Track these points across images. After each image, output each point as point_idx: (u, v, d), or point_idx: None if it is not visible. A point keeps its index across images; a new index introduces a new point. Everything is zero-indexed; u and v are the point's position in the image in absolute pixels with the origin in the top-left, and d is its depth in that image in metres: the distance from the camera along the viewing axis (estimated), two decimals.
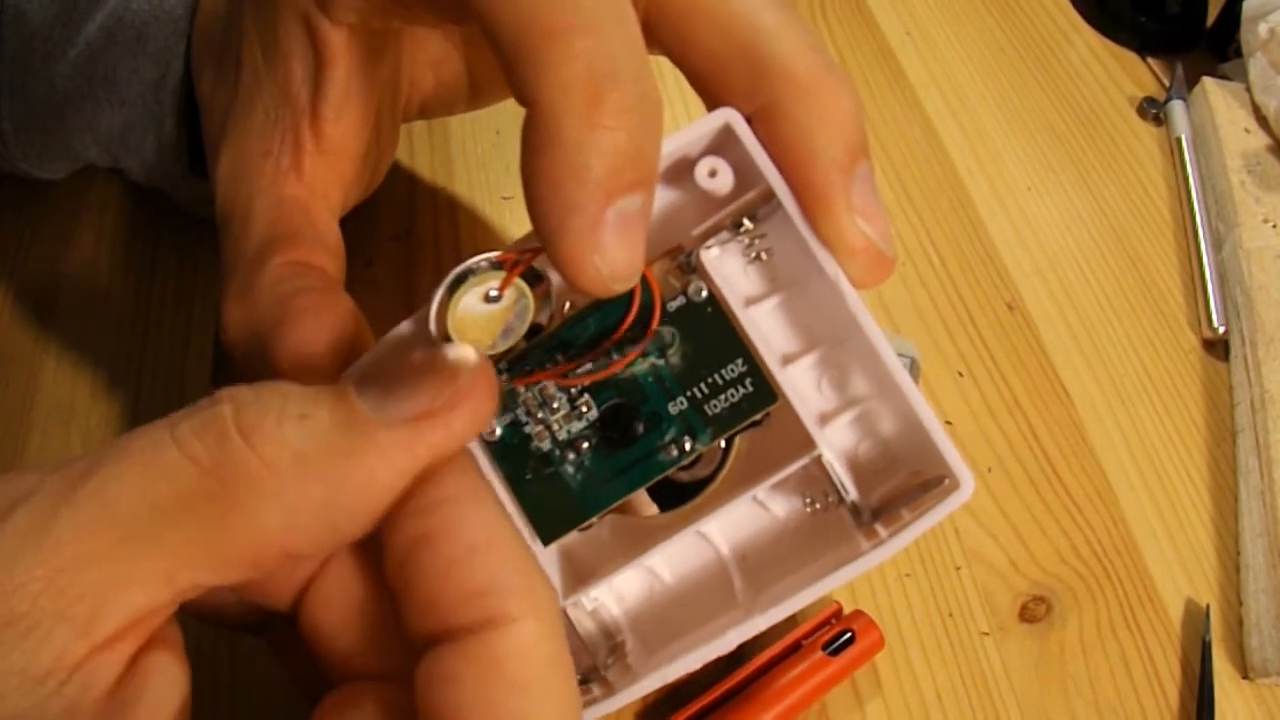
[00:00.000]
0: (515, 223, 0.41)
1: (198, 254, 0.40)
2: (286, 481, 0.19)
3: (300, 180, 0.27)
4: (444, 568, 0.19)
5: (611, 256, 0.19)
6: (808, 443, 0.23)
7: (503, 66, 0.20)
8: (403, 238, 0.41)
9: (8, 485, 0.18)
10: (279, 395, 0.20)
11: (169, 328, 0.38)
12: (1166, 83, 0.48)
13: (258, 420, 0.19)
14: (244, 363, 0.26)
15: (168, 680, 0.19)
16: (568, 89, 0.19)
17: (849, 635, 0.31)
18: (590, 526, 0.24)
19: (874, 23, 0.50)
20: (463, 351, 0.21)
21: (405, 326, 0.23)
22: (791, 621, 0.32)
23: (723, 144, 0.23)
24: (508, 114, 0.45)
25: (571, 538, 0.24)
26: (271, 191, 0.27)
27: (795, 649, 0.31)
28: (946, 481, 0.23)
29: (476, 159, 0.43)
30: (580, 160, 0.19)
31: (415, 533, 0.19)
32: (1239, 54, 0.47)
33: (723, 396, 0.23)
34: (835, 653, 0.30)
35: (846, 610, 0.32)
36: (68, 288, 0.40)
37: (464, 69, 0.31)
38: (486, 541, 0.19)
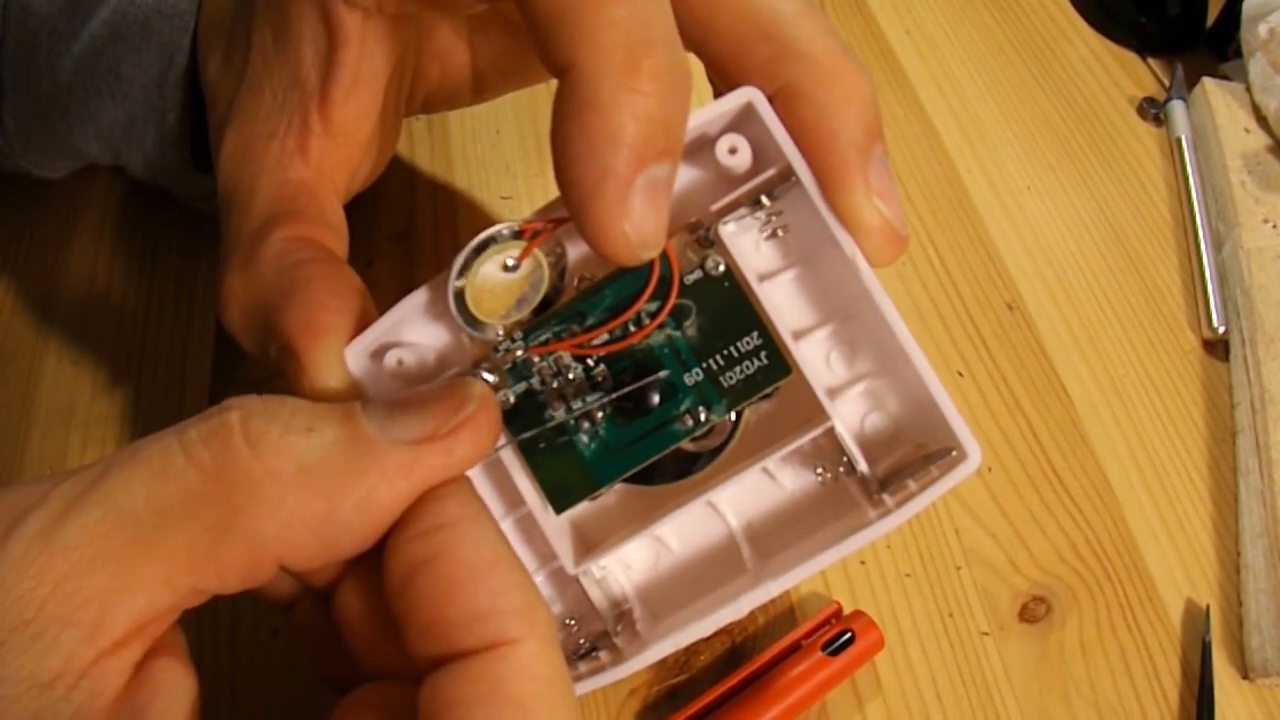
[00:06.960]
0: None
1: (198, 253, 0.40)
2: (287, 491, 0.19)
3: (306, 163, 0.27)
4: (446, 591, 0.19)
5: (639, 223, 0.20)
6: (820, 414, 0.24)
7: (536, 36, 0.20)
8: (402, 238, 0.41)
9: (21, 493, 0.19)
10: (287, 407, 0.20)
11: (169, 328, 0.38)
12: (1166, 83, 0.48)
13: (264, 429, 0.19)
14: (245, 339, 0.26)
15: (177, 687, 0.19)
16: (606, 54, 0.19)
17: (849, 635, 0.31)
18: (600, 495, 0.25)
19: (874, 22, 0.50)
20: (472, 384, 0.21)
21: (424, 292, 0.24)
22: (791, 621, 0.33)
23: (743, 122, 0.24)
24: (507, 114, 0.45)
25: (581, 507, 0.24)
26: (276, 172, 0.27)
27: (795, 649, 0.31)
28: (954, 453, 0.23)
29: (476, 159, 0.43)
30: (616, 123, 0.19)
31: (416, 556, 0.20)
32: (1239, 54, 0.47)
33: (738, 369, 0.23)
34: (835, 653, 0.30)
35: (846, 610, 0.32)
36: (68, 287, 0.40)
37: (469, 60, 0.31)
38: (488, 564, 0.19)
